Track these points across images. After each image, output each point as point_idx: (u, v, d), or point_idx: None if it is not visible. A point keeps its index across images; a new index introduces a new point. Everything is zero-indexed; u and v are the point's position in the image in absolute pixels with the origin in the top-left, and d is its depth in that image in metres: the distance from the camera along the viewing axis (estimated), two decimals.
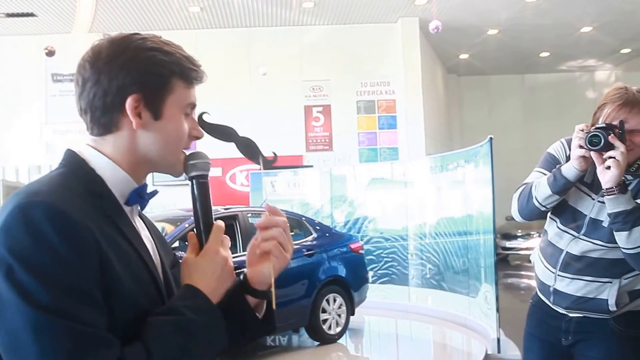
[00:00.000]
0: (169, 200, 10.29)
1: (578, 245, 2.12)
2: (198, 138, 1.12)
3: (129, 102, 1.04)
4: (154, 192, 1.14)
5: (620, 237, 1.97)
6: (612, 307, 2.08)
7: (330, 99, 11.24)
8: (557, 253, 2.17)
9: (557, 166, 2.13)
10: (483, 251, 6.36)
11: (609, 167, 1.94)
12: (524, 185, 2.22)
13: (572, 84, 16.86)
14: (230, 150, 10.89)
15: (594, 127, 2.02)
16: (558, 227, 2.18)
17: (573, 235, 2.14)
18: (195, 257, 1.09)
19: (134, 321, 0.97)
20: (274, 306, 1.17)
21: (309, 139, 11.30)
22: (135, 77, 1.03)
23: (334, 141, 11.16)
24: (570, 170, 2.04)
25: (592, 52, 15.48)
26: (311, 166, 10.35)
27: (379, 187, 8.16)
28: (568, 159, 2.11)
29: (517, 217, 2.26)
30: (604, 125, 2.01)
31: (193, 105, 1.12)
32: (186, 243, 5.18)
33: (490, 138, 6.02)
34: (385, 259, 7.92)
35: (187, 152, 1.13)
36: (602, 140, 1.96)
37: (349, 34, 11.14)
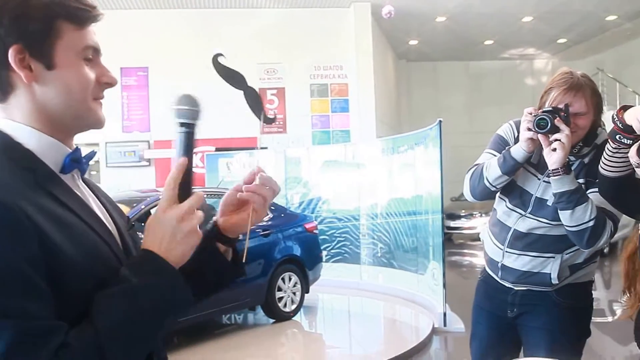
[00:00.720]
0: (124, 181, 10.07)
1: (525, 223, 2.17)
2: (111, 85, 1.01)
3: (11, 55, 0.91)
4: (92, 154, 1.05)
5: (564, 215, 2.02)
6: (555, 281, 2.14)
7: (284, 82, 11.13)
8: (505, 231, 2.22)
9: (507, 148, 2.16)
10: (431, 230, 6.47)
11: (554, 149, 1.98)
12: (475, 167, 2.25)
13: (514, 71, 17.25)
14: None
15: (541, 111, 2.05)
16: (507, 206, 2.22)
17: (520, 214, 2.18)
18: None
19: (94, 292, 0.89)
20: (245, 254, 1.13)
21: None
22: (9, 26, 0.91)
23: (288, 123, 11.09)
24: (518, 151, 2.08)
25: (532, 41, 15.85)
26: (266, 148, 10.26)
27: (332, 169, 8.18)
28: (517, 140, 2.14)
29: (469, 197, 2.28)
30: (550, 108, 2.04)
31: (95, 49, 0.99)
32: (142, 224, 5.07)
33: (440, 121, 6.08)
34: (338, 239, 7.98)
35: (180, 95, 1.01)
36: (549, 124, 1.99)
37: (303, 18, 11.03)
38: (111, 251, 0.97)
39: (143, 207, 5.27)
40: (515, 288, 2.22)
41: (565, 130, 1.99)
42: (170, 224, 0.95)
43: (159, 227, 0.95)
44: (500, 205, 2.26)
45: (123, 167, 10.59)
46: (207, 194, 5.90)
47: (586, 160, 2.12)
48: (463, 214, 13.05)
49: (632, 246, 1.68)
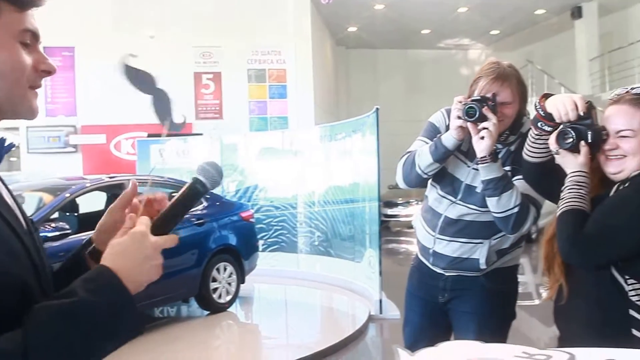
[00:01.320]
0: (48, 168, 9.55)
1: (455, 210, 2.21)
2: (50, 73, 0.94)
3: None
4: (10, 146, 0.95)
5: (491, 201, 2.07)
6: (483, 266, 2.19)
7: (220, 67, 10.88)
8: (436, 217, 2.25)
9: (438, 135, 2.20)
10: (368, 218, 6.46)
11: (482, 137, 2.03)
12: (408, 154, 2.27)
13: (449, 60, 17.62)
14: (115, 116, 10.25)
15: (470, 99, 2.08)
16: (438, 193, 2.26)
17: (451, 200, 2.22)
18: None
19: (13, 294, 0.82)
20: None
21: (199, 106, 10.90)
22: None
23: (224, 109, 10.84)
24: (449, 139, 2.12)
25: (467, 32, 16.22)
26: (201, 134, 9.99)
27: (269, 156, 8.04)
28: (448, 128, 2.17)
29: (402, 184, 2.31)
30: (479, 97, 2.07)
31: (34, 34, 0.93)
32: (67, 214, 4.75)
33: (377, 108, 6.05)
34: (275, 227, 7.87)
35: (209, 161, 0.99)
36: (477, 112, 2.03)
37: (241, 1, 10.77)
38: (28, 255, 0.89)
39: (68, 195, 4.97)
40: (446, 274, 2.27)
41: (492, 118, 2.03)
42: (146, 251, 0.91)
43: (134, 248, 0.90)
44: (432, 193, 2.30)
45: (47, 154, 10.06)
46: (138, 182, 5.63)
47: (512, 148, 2.17)
48: (400, 202, 13.23)
49: (552, 230, 1.69)
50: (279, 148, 8.06)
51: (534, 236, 8.78)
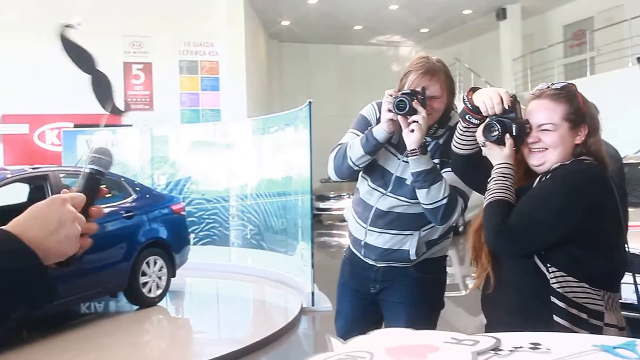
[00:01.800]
0: None
1: (386, 202, 2.23)
2: None
3: None
4: None
5: (421, 193, 2.11)
6: (413, 257, 2.23)
7: (151, 57, 10.57)
8: (367, 209, 2.27)
9: (369, 128, 2.20)
10: (301, 211, 6.48)
11: (412, 130, 2.06)
12: (340, 146, 2.28)
13: (381, 57, 17.88)
14: (39, 105, 9.78)
15: (400, 93, 2.10)
16: (369, 185, 2.27)
17: (382, 192, 2.24)
18: None
19: None
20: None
21: (129, 97, 10.57)
22: None
23: (154, 101, 10.57)
24: (380, 132, 2.13)
25: (398, 29, 16.50)
26: (130, 125, 9.70)
27: (201, 149, 7.92)
28: (379, 121, 2.20)
29: (333, 176, 2.31)
30: (409, 91, 2.10)
31: None
32: None
33: (309, 102, 6.05)
34: (207, 220, 7.77)
35: (97, 148, 0.99)
36: (407, 105, 2.05)
37: None
38: None
39: None
40: (378, 265, 2.29)
41: (422, 112, 2.06)
42: (63, 216, 0.86)
43: (49, 212, 0.85)
44: (363, 185, 2.32)
45: None
46: (65, 174, 5.44)
47: (441, 141, 2.22)
48: (332, 196, 13.30)
49: (479, 221, 1.74)
50: (211, 141, 7.95)
51: (460, 229, 9.07)
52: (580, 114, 1.69)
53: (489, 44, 16.26)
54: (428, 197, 2.11)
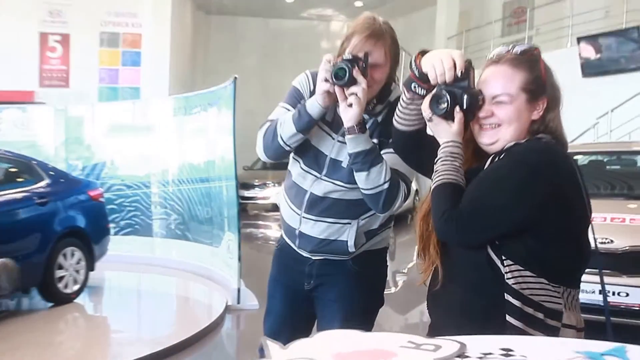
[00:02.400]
0: None
1: (320, 186, 2.08)
2: None
3: None
4: None
5: (360, 177, 1.95)
6: (351, 248, 2.09)
7: (69, 27, 9.95)
8: (301, 194, 2.11)
9: (302, 102, 2.01)
10: (226, 199, 6.26)
11: (351, 105, 1.86)
12: (270, 122, 2.08)
13: (311, 32, 17.59)
14: None
15: (340, 59, 1.89)
16: (301, 168, 2.11)
17: (315, 176, 2.08)
18: None
19: None
20: None
21: (44, 72, 9.95)
22: None
23: (71, 77, 10.00)
24: (314, 106, 1.94)
25: (330, 1, 16.27)
26: (43, 103, 9.14)
27: (119, 130, 7.56)
28: (313, 93, 2.00)
29: (263, 157, 2.12)
30: (350, 57, 1.88)
31: None
32: None
33: (235, 78, 5.76)
34: (128, 209, 7.44)
35: None
36: (347, 74, 1.83)
37: None
38: None
39: None
40: (313, 257, 2.14)
41: (362, 83, 1.85)
42: None
43: None
44: (295, 167, 2.15)
45: None
46: None
47: (380, 118, 2.03)
48: (257, 184, 12.86)
49: (426, 206, 1.59)
50: (129, 122, 7.60)
51: (391, 224, 9.19)
52: (540, 83, 1.53)
53: (424, 21, 16.19)
54: (368, 181, 1.94)
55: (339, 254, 2.11)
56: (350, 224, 2.07)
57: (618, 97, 9.36)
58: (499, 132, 1.52)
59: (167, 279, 6.79)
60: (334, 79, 1.84)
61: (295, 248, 2.16)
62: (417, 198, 9.81)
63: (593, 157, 6.07)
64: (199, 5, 14.89)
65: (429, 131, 1.61)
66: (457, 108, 1.50)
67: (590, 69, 10.33)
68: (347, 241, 2.08)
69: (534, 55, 1.54)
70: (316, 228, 2.09)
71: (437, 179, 1.51)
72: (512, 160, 1.48)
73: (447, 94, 1.50)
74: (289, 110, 2.06)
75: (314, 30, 17.75)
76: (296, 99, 2.08)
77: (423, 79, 1.55)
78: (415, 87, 1.57)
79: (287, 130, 1.99)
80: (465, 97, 1.49)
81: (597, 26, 10.88)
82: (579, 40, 10.52)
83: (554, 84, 1.56)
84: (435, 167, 1.54)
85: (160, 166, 7.32)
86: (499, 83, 1.51)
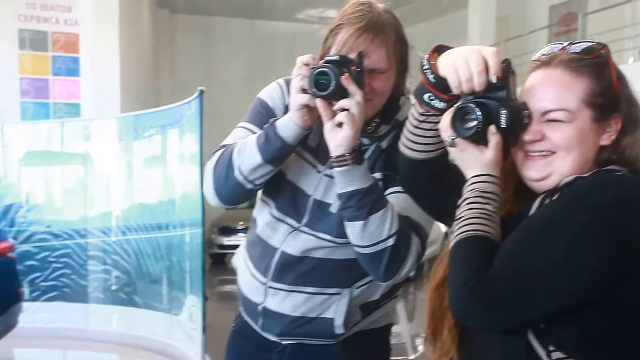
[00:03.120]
0: None
1: (298, 241, 1.97)
2: None
3: None
4: None
5: (353, 229, 1.83)
6: (340, 329, 1.98)
7: None
8: (268, 253, 2.01)
9: (271, 120, 1.87)
10: (189, 251, 6.21)
11: (340, 124, 1.74)
12: (223, 149, 1.95)
13: (311, 37, 17.74)
14: None
15: (322, 61, 1.78)
16: (272, 215, 2.01)
17: (292, 226, 1.98)
18: None
19: None
20: None
21: None
22: None
23: None
24: (288, 127, 1.82)
25: (334, 2, 16.41)
26: None
27: (42, 159, 7.52)
28: (287, 109, 1.88)
29: (214, 200, 1.99)
30: (336, 57, 1.77)
31: None
32: None
33: (201, 91, 5.75)
34: (55, 265, 7.31)
35: None
36: (333, 82, 1.71)
37: None
38: None
39: None
40: (284, 342, 2.05)
41: (356, 94, 1.72)
42: None
43: None
44: (263, 213, 2.04)
45: None
46: None
47: (384, 144, 1.94)
48: (240, 227, 12.70)
49: (442, 272, 1.50)
50: (56, 148, 7.55)
51: (412, 273, 9.16)
52: (612, 95, 1.45)
53: (453, 27, 16.63)
54: (364, 236, 1.81)
55: (321, 337, 2.02)
56: (339, 294, 1.98)
57: None
58: (553, 163, 1.45)
59: (105, 356, 6.78)
60: (314, 89, 1.73)
61: (258, 330, 2.08)
62: (445, 242, 9.98)
63: None
64: (160, 2, 15.21)
65: (451, 159, 1.57)
66: (493, 128, 1.44)
67: None
68: (333, 319, 1.98)
69: (601, 55, 1.46)
70: (288, 302, 2.00)
71: (459, 231, 1.42)
72: (568, 202, 1.38)
73: (477, 108, 1.43)
74: (253, 132, 1.96)
75: (314, 34, 17.97)
76: (264, 116, 1.99)
77: (441, 86, 1.49)
78: (430, 98, 1.52)
79: (249, 161, 1.86)
80: (503, 112, 1.43)
81: None
82: None
83: (631, 97, 1.48)
84: (458, 212, 1.45)
85: (100, 208, 7.28)
86: (551, 94, 1.44)
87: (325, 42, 1.92)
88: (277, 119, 1.86)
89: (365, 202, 1.78)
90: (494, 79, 1.42)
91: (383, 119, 1.93)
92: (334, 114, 1.74)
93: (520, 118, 1.43)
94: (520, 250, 1.35)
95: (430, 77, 1.49)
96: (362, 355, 2.07)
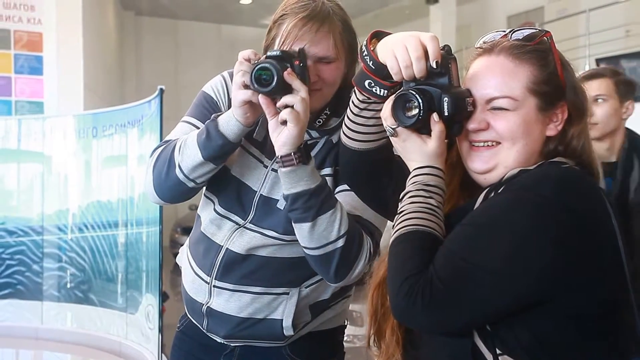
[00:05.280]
0: None
1: (243, 239, 1.89)
2: None
3: None
4: None
5: (301, 231, 1.75)
6: (289, 331, 1.90)
7: None
8: (213, 251, 1.93)
9: (213, 116, 1.79)
10: (146, 250, 6.10)
11: (284, 122, 1.67)
12: (164, 145, 1.90)
13: None
14: None
15: (265, 56, 1.72)
16: (216, 211, 1.94)
17: (237, 223, 1.91)
18: None
19: None
20: None
21: None
22: None
23: None
24: (230, 124, 1.75)
25: None
26: None
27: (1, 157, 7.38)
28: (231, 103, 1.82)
29: (154, 197, 1.92)
30: (278, 52, 1.71)
31: None
32: None
33: (161, 90, 5.67)
34: (8, 262, 7.14)
35: None
36: (275, 77, 1.63)
37: None
38: None
39: None
40: (231, 344, 1.98)
41: (300, 90, 1.64)
42: None
43: None
44: (208, 210, 1.97)
45: None
46: None
47: (335, 138, 1.85)
48: None
49: (384, 269, 1.40)
50: (11, 145, 7.37)
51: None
52: (556, 83, 1.37)
53: None
54: (312, 238, 1.72)
55: (270, 339, 1.94)
56: (287, 294, 1.91)
57: None
58: (498, 154, 1.38)
59: (58, 356, 6.65)
60: (255, 84, 1.67)
61: (204, 330, 2.00)
62: None
63: None
64: (125, 5, 15.08)
65: (395, 150, 1.49)
66: (435, 116, 1.36)
67: None
68: (281, 320, 1.91)
69: (544, 42, 1.39)
70: (234, 302, 1.91)
71: (400, 225, 1.32)
72: (512, 197, 1.29)
73: (418, 95, 1.35)
74: (196, 127, 1.90)
75: None
76: (207, 110, 1.93)
77: (381, 73, 1.43)
78: (370, 85, 1.45)
79: (190, 158, 1.78)
80: (445, 99, 1.35)
81: (617, 47, 11.41)
82: (598, 62, 11.02)
83: (576, 84, 1.41)
84: (400, 206, 1.36)
85: (56, 205, 7.12)
86: (495, 80, 1.37)
87: (268, 33, 1.86)
88: (219, 115, 1.78)
89: (312, 203, 1.70)
90: (434, 64, 1.35)
91: (333, 111, 1.86)
92: (277, 112, 1.66)
93: (463, 105, 1.35)
94: (463, 248, 1.26)
95: (370, 63, 1.42)
96: (313, 358, 2.00)
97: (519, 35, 1.41)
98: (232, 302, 1.91)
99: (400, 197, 1.38)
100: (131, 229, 6.39)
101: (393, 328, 1.41)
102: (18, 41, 9.93)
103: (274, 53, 1.70)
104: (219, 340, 1.99)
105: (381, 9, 16.68)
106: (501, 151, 1.37)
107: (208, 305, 1.94)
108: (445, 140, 1.40)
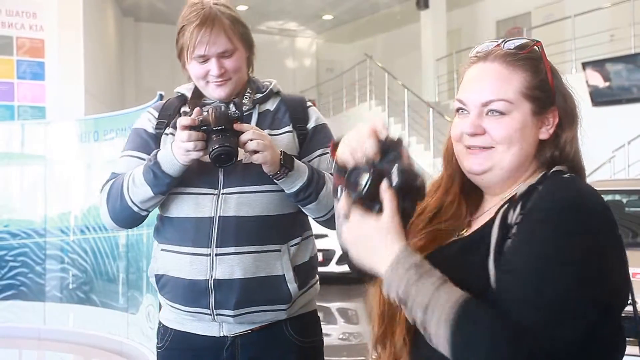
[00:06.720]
0: None
1: (228, 204, 1.98)
2: None
3: None
4: None
5: (310, 210, 2.02)
6: (293, 286, 1.99)
7: None
8: (204, 224, 1.98)
9: (154, 153, 1.97)
10: (146, 250, 5.97)
11: (254, 152, 1.89)
12: (113, 180, 2.07)
13: (272, 49, 17.74)
14: None
15: (213, 130, 1.90)
16: (190, 194, 2.02)
17: (213, 194, 2.00)
18: None
19: None
20: None
21: None
22: None
23: None
24: (173, 164, 1.92)
25: (294, 14, 16.46)
26: None
27: (3, 160, 7.28)
28: (159, 134, 2.10)
29: (111, 225, 2.09)
30: (220, 126, 1.89)
31: None
32: None
33: (160, 95, 5.46)
34: (12, 264, 7.07)
35: None
36: (232, 153, 1.89)
37: None
38: None
39: None
40: (231, 334, 1.99)
41: (249, 128, 1.92)
42: None
43: None
44: (178, 199, 2.05)
45: None
46: None
47: (271, 106, 2.14)
48: None
49: None
50: (16, 150, 7.32)
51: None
52: (547, 89, 1.37)
53: (407, 39, 16.70)
54: (320, 209, 2.01)
55: (277, 301, 1.99)
56: (279, 251, 2.00)
57: (634, 128, 10.07)
58: (493, 157, 1.36)
59: (61, 356, 6.59)
60: (217, 164, 1.89)
61: (210, 313, 1.98)
62: None
63: (610, 197, 6.15)
64: (124, 11, 14.98)
65: (340, 241, 1.37)
66: (384, 183, 1.26)
67: (600, 97, 11.08)
68: (283, 275, 1.98)
69: (535, 51, 1.40)
70: (240, 266, 1.95)
71: (439, 314, 1.18)
72: (548, 216, 1.22)
73: (366, 166, 1.29)
74: (140, 160, 2.04)
75: (276, 46, 17.91)
76: (146, 141, 2.09)
77: (346, 173, 1.36)
78: (340, 192, 1.35)
79: (142, 194, 1.96)
80: (396, 167, 1.27)
81: (602, 51, 11.59)
82: (584, 65, 11.18)
83: (566, 91, 1.41)
84: (411, 300, 1.22)
85: (59, 208, 7.05)
86: (491, 85, 1.36)
87: (177, 43, 2.06)
88: (157, 154, 1.94)
89: (312, 189, 1.96)
90: (382, 138, 1.29)
91: (253, 88, 2.12)
92: (246, 153, 1.89)
93: (414, 177, 1.27)
94: (532, 282, 1.17)
95: (337, 170, 1.36)
96: (309, 335, 2.10)
97: (512, 44, 1.41)
98: (239, 266, 1.95)
99: (401, 297, 1.23)
100: (131, 231, 6.19)
101: (402, 331, 1.38)
102: (20, 47, 9.94)
103: (219, 128, 1.86)
104: (222, 333, 2.00)
105: (372, 15, 16.58)
106: (496, 154, 1.36)
107: (213, 278, 1.95)
108: (397, 214, 1.27)
